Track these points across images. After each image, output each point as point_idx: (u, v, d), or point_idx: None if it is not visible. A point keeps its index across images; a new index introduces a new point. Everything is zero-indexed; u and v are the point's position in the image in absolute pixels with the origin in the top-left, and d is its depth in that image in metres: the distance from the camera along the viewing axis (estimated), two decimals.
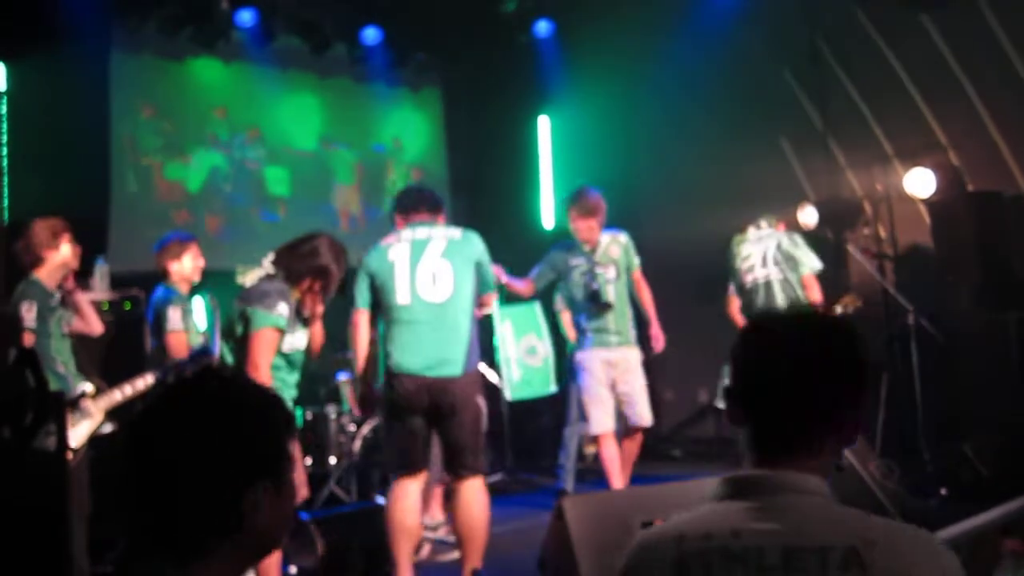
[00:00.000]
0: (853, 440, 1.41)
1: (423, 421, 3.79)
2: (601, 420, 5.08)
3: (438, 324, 3.78)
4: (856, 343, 1.42)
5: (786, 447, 1.37)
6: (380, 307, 3.93)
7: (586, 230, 5.18)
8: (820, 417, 1.38)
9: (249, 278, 4.02)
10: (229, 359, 3.79)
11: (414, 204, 4.08)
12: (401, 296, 3.81)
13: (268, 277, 3.85)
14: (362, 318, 3.97)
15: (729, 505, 1.36)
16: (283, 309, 3.65)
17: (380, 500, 5.08)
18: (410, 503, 3.78)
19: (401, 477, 3.80)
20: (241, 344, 3.65)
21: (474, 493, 3.77)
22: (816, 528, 1.28)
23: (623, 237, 5.40)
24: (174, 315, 4.74)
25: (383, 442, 4.07)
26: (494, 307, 4.24)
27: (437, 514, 5.03)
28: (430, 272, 3.81)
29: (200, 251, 4.98)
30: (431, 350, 3.73)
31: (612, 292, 5.21)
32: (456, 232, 3.98)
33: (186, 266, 4.88)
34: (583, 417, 5.59)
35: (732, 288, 6.17)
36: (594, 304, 5.18)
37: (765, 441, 1.40)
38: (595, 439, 5.25)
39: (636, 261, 5.40)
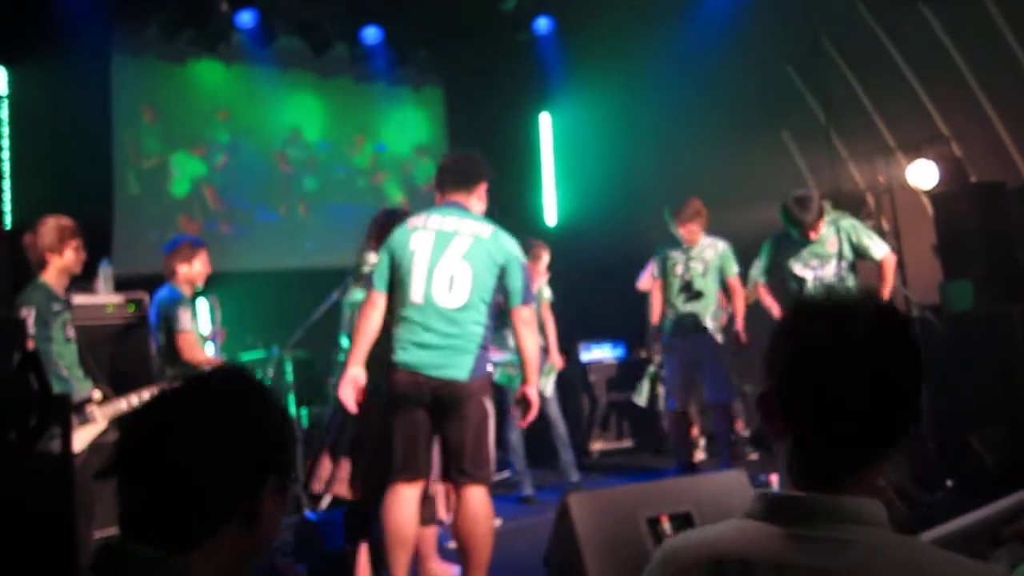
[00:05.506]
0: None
1: (425, 416, 3.58)
2: None
3: (448, 331, 3.56)
4: (913, 334, 1.20)
5: (846, 466, 1.16)
6: (392, 292, 3.68)
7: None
8: (891, 429, 1.17)
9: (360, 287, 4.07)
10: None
11: (448, 180, 3.79)
12: (415, 293, 3.58)
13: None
14: (379, 301, 3.69)
15: (768, 529, 1.15)
16: None
17: None
18: (408, 512, 3.53)
19: (399, 482, 3.54)
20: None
21: (475, 502, 3.52)
22: (879, 571, 1.09)
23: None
24: (184, 315, 4.80)
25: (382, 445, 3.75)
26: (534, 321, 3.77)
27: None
28: (448, 274, 3.57)
29: (209, 258, 5.02)
30: (436, 355, 3.54)
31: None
32: (485, 229, 3.67)
33: (195, 269, 4.93)
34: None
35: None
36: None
37: (818, 458, 1.17)
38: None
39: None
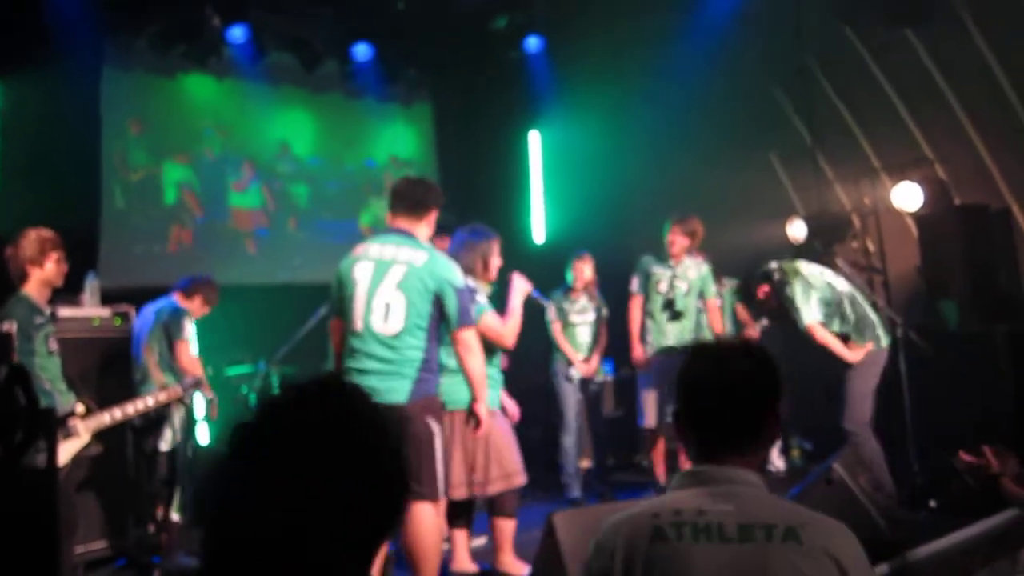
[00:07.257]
0: (775, 440, 1.83)
1: None
2: None
3: (386, 356, 3.67)
4: (769, 367, 1.76)
5: (726, 451, 1.73)
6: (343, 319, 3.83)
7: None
8: (748, 429, 1.74)
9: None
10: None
11: (400, 205, 3.91)
12: (356, 322, 3.72)
13: None
14: (336, 327, 3.91)
15: (690, 491, 1.71)
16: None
17: None
18: None
19: None
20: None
21: (421, 518, 3.63)
22: (761, 510, 1.64)
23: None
24: (188, 325, 5.14)
25: None
26: (471, 343, 3.84)
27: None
28: (384, 303, 3.68)
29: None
30: (374, 380, 3.61)
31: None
32: (420, 256, 3.75)
33: (205, 308, 5.50)
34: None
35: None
36: None
37: (709, 448, 1.75)
38: None
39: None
